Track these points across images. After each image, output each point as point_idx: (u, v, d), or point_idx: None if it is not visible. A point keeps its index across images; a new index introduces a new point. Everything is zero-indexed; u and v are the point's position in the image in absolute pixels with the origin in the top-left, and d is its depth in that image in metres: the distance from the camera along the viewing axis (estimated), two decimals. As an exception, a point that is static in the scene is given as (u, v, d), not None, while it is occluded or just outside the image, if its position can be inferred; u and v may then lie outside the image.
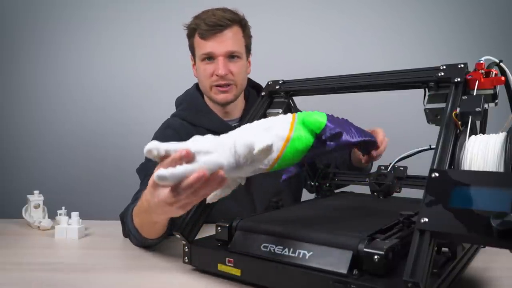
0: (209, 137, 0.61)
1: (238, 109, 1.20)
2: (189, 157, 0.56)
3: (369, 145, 0.85)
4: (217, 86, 1.11)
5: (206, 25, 1.08)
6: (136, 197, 0.98)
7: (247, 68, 1.18)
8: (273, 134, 0.63)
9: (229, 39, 1.09)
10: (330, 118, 0.70)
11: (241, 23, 1.13)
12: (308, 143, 0.67)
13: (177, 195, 0.57)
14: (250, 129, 0.65)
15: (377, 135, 1.01)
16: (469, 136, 0.61)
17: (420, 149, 0.81)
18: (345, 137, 0.71)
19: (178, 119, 1.16)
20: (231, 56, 1.10)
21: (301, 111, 0.71)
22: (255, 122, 0.67)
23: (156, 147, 0.56)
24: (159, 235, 0.85)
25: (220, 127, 1.14)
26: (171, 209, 0.61)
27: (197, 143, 0.58)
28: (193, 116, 1.16)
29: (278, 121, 0.67)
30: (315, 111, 0.72)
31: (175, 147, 0.57)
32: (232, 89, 1.12)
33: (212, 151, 0.58)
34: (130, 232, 0.89)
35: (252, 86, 1.24)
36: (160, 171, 0.53)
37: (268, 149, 0.57)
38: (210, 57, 1.10)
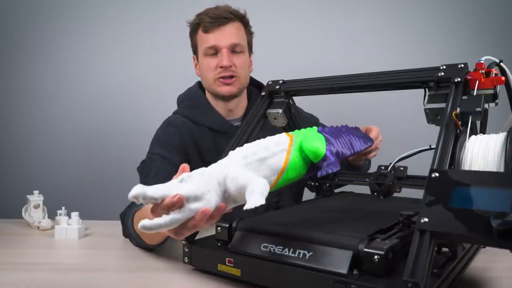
0: (198, 174, 0.58)
1: (240, 108, 1.20)
2: (180, 203, 0.54)
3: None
4: (221, 78, 1.10)
5: (209, 18, 1.09)
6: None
7: (249, 65, 1.18)
8: (267, 168, 0.61)
9: (232, 32, 1.10)
10: (328, 143, 0.66)
11: (243, 20, 1.14)
12: (301, 172, 0.65)
13: (174, 234, 0.58)
14: (243, 159, 0.61)
15: (370, 132, 1.02)
16: (469, 136, 0.61)
17: (420, 149, 0.81)
18: (342, 153, 0.69)
19: (180, 116, 1.16)
20: (234, 49, 1.11)
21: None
22: (249, 148, 0.63)
23: (142, 193, 0.53)
24: (161, 241, 0.85)
25: (222, 126, 1.14)
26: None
27: (186, 186, 0.55)
28: (196, 114, 1.15)
29: (274, 148, 0.63)
30: (315, 127, 0.70)
31: (162, 193, 0.54)
32: (236, 82, 1.12)
33: (200, 196, 0.55)
34: (130, 235, 0.89)
35: (254, 85, 1.24)
36: (144, 223, 0.53)
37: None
38: (214, 51, 1.10)
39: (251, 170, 0.60)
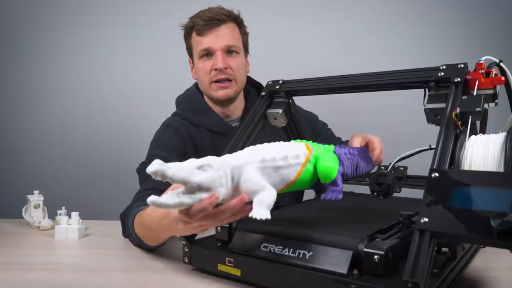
0: (216, 165, 0.57)
1: (238, 109, 1.20)
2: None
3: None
4: (217, 82, 1.10)
5: (203, 21, 1.08)
6: (137, 198, 0.98)
7: (246, 66, 1.17)
8: (279, 177, 0.62)
9: (226, 34, 1.09)
10: (340, 165, 0.69)
11: (237, 21, 1.13)
12: (306, 186, 0.67)
13: (187, 220, 0.58)
14: (261, 162, 0.61)
15: (372, 146, 0.98)
16: (469, 136, 0.61)
17: (420, 149, 0.81)
18: (347, 173, 0.73)
19: (179, 118, 1.16)
20: (229, 51, 1.10)
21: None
22: (269, 152, 0.62)
23: (162, 172, 0.51)
24: (160, 243, 0.86)
25: (220, 127, 1.14)
26: (183, 230, 0.63)
27: (204, 175, 0.56)
28: (194, 116, 1.15)
29: (292, 160, 0.63)
30: (332, 146, 0.72)
31: (181, 177, 0.53)
32: (232, 85, 1.12)
33: (213, 188, 0.56)
34: (130, 235, 0.89)
35: (252, 85, 1.24)
36: (152, 198, 0.53)
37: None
38: (208, 53, 1.10)
39: (265, 175, 0.61)
